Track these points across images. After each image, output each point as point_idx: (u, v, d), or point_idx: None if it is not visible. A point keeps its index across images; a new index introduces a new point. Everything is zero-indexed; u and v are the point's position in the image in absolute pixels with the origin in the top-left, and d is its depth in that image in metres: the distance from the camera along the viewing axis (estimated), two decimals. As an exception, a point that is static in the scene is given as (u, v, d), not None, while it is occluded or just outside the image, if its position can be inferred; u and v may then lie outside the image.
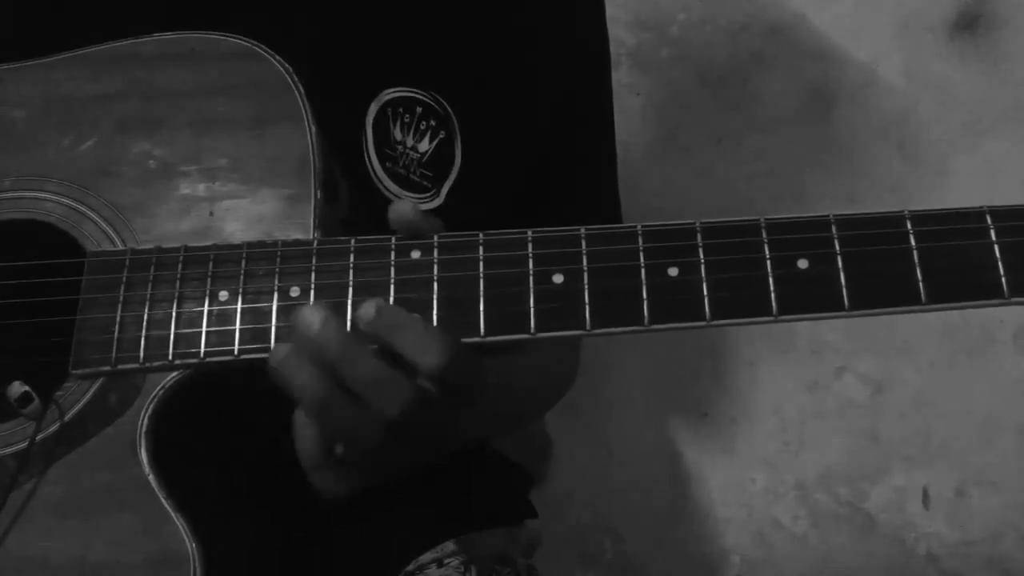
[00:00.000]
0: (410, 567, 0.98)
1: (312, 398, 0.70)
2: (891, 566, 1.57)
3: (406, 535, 0.99)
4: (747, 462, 1.60)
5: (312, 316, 0.70)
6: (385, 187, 0.92)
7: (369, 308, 0.71)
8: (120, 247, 0.78)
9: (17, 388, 0.76)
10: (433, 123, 0.94)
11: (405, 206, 0.75)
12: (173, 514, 0.72)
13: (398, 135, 0.93)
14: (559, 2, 1.04)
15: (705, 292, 0.70)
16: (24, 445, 0.75)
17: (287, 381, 0.70)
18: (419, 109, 0.94)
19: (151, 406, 0.74)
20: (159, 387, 0.74)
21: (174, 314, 0.75)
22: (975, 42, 1.60)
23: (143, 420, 0.74)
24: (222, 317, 0.74)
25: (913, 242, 0.69)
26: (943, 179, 1.58)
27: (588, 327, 0.71)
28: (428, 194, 0.94)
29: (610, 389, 1.62)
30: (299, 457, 0.75)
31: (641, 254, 0.71)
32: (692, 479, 1.61)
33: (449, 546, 1.00)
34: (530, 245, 0.73)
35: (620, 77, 1.62)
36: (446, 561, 0.98)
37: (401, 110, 0.93)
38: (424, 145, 0.94)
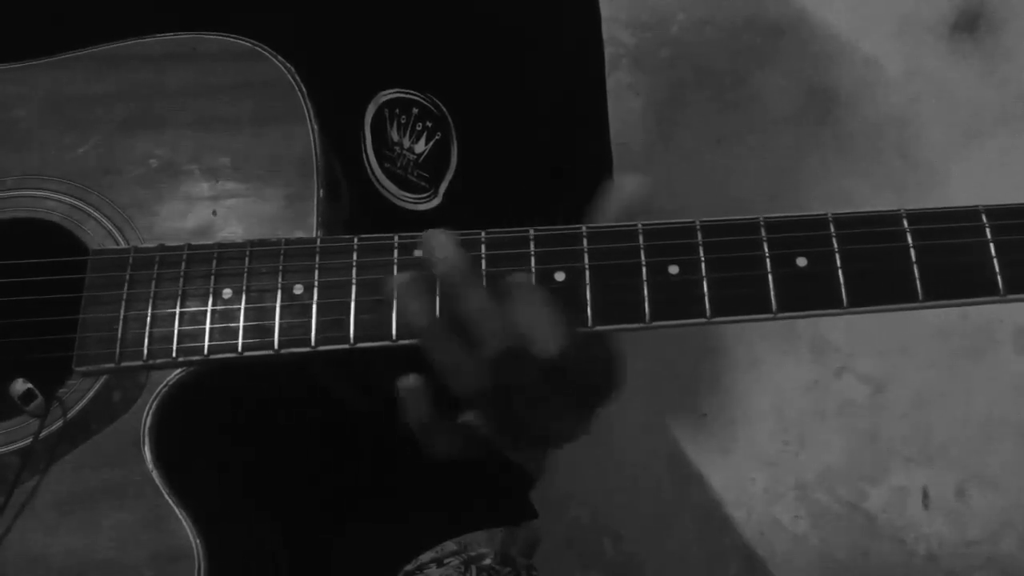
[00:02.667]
0: (410, 567, 0.98)
1: (424, 326, 0.71)
2: (891, 566, 1.58)
3: (406, 535, 0.99)
4: (747, 462, 1.60)
5: (443, 242, 0.71)
6: (384, 187, 0.92)
7: (507, 282, 0.71)
8: (123, 245, 0.78)
9: (20, 385, 0.76)
10: (429, 124, 0.94)
11: (632, 182, 0.74)
12: (177, 510, 0.72)
13: (395, 136, 0.93)
14: (553, 3, 1.05)
15: (705, 290, 0.70)
16: (27, 442, 0.75)
17: (404, 304, 0.71)
18: (415, 110, 0.94)
19: (154, 403, 0.74)
20: (162, 384, 0.75)
21: (177, 312, 0.75)
22: (975, 42, 1.60)
23: (146, 417, 0.74)
24: (226, 315, 0.74)
25: (910, 240, 0.70)
26: (943, 179, 1.58)
27: (590, 324, 0.71)
28: (426, 195, 0.94)
29: (610, 389, 1.61)
30: (408, 418, 0.75)
31: (642, 252, 0.72)
32: (692, 479, 1.61)
33: (449, 546, 1.00)
34: (532, 243, 0.73)
35: (620, 77, 1.63)
36: (446, 561, 0.99)
37: (398, 111, 0.93)
38: (420, 146, 0.94)
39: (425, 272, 0.71)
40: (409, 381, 0.73)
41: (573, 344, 0.71)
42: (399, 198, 0.92)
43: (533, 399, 0.73)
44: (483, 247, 0.73)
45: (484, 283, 0.71)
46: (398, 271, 0.73)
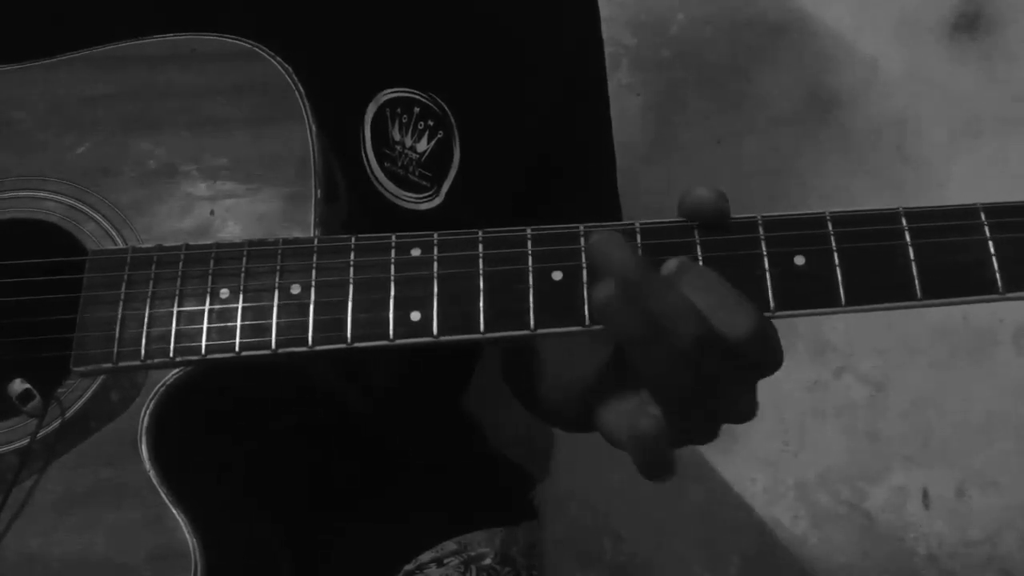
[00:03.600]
0: (410, 566, 0.98)
1: (633, 335, 0.67)
2: (891, 566, 1.58)
3: (406, 535, 0.99)
4: (747, 462, 1.60)
5: (618, 242, 0.67)
6: (383, 187, 0.92)
7: (672, 264, 0.69)
8: (121, 246, 0.78)
9: (18, 385, 0.76)
10: (431, 123, 0.94)
11: (703, 193, 0.71)
12: (174, 511, 0.72)
13: (396, 135, 0.93)
14: (553, 2, 1.05)
15: (703, 289, 0.70)
16: (25, 442, 0.75)
17: (610, 321, 0.67)
18: (417, 109, 0.94)
19: (152, 403, 0.74)
20: (160, 384, 0.74)
21: (175, 312, 0.75)
22: (975, 42, 1.60)
23: (144, 417, 0.74)
24: (223, 315, 0.74)
25: (908, 238, 0.70)
26: (943, 179, 1.58)
27: (587, 323, 0.71)
28: (427, 194, 0.94)
29: (610, 389, 1.61)
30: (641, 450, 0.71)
31: (639, 251, 0.72)
32: (692, 479, 1.61)
33: (449, 546, 1.00)
34: (529, 242, 0.73)
35: (620, 77, 1.63)
36: (446, 561, 0.99)
37: (399, 110, 0.93)
38: (423, 145, 0.94)
39: (619, 283, 0.67)
40: (649, 422, 0.69)
41: (764, 323, 0.68)
42: (399, 198, 0.92)
43: (724, 388, 0.70)
44: (481, 246, 0.73)
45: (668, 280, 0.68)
46: (589, 290, 0.70)
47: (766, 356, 0.69)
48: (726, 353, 0.67)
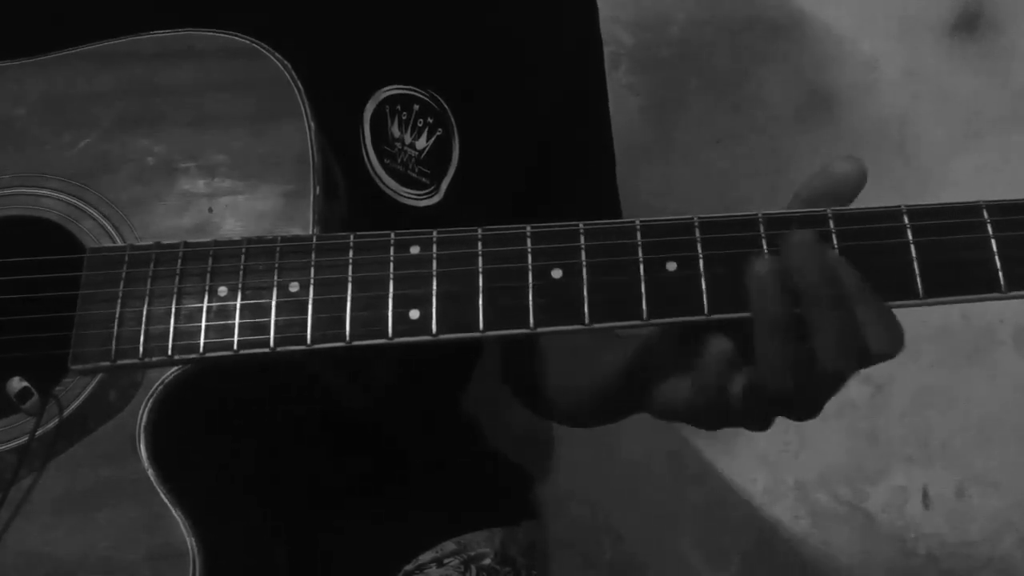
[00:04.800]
0: (410, 566, 0.98)
1: (774, 320, 0.68)
2: (891, 566, 1.57)
3: (406, 535, 0.99)
4: (747, 462, 1.60)
5: (806, 239, 0.68)
6: (385, 184, 0.92)
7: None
8: (119, 243, 0.78)
9: (16, 384, 0.76)
10: (431, 120, 0.94)
11: (847, 166, 0.71)
12: (173, 509, 0.72)
13: (396, 132, 0.93)
14: (553, 1, 1.05)
15: (703, 286, 0.70)
16: (23, 441, 0.75)
17: (758, 295, 0.68)
18: (416, 107, 0.94)
19: (150, 401, 0.74)
20: (158, 382, 0.74)
21: (173, 310, 0.75)
22: (975, 42, 1.60)
23: (142, 415, 0.74)
24: (221, 312, 0.74)
25: (910, 236, 0.69)
26: (943, 179, 1.58)
27: (587, 321, 0.71)
28: (427, 191, 0.94)
29: (610, 389, 1.61)
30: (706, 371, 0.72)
31: (639, 249, 0.71)
32: (692, 479, 1.61)
33: (449, 546, 1.00)
34: (529, 240, 0.73)
35: (620, 77, 1.62)
36: (446, 561, 0.99)
37: (399, 107, 0.93)
38: (422, 142, 0.94)
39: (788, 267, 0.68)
40: (722, 344, 0.70)
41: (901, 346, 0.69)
42: (400, 194, 0.92)
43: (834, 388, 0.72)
44: (480, 244, 0.73)
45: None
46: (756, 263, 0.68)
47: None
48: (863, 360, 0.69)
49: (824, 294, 0.67)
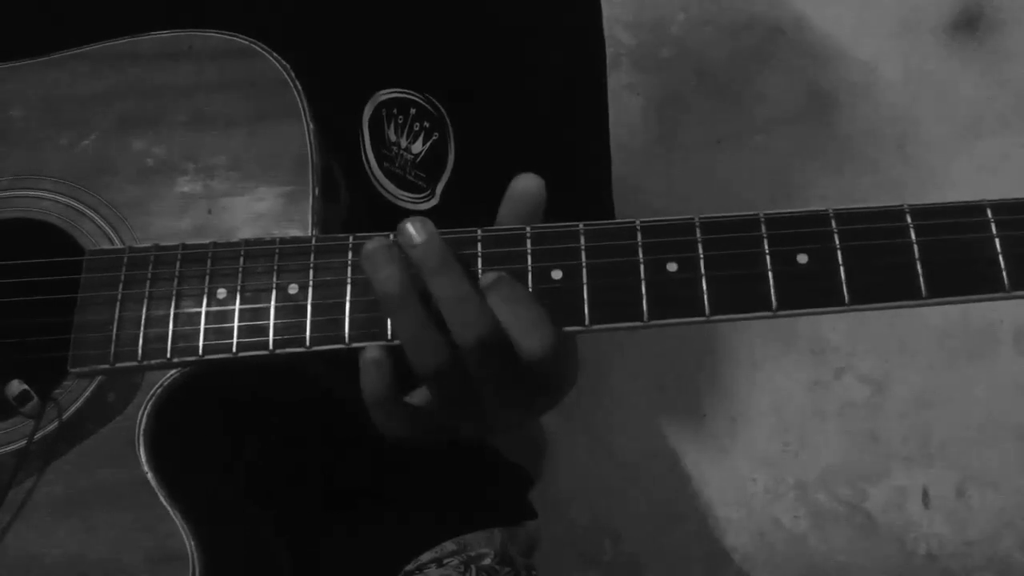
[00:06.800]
0: (410, 567, 0.98)
1: (392, 294, 0.70)
2: (891, 566, 1.57)
3: (406, 535, 0.99)
4: (747, 462, 1.60)
5: (417, 229, 0.70)
6: (383, 187, 0.92)
7: (489, 276, 0.70)
8: (118, 245, 0.78)
9: (16, 386, 0.76)
10: (427, 124, 0.94)
11: (531, 182, 0.74)
12: (172, 512, 0.72)
13: (392, 136, 0.93)
14: (553, 3, 1.04)
15: (704, 287, 0.70)
16: (23, 443, 0.75)
17: (372, 272, 0.70)
18: (413, 111, 0.94)
19: (149, 404, 0.74)
20: (157, 385, 0.74)
21: (172, 312, 0.74)
22: (975, 42, 1.60)
23: (141, 418, 0.74)
24: (220, 315, 0.74)
25: (913, 236, 0.69)
26: (943, 179, 1.58)
27: (587, 323, 0.70)
28: (424, 194, 0.94)
29: (610, 389, 1.62)
30: (364, 390, 0.73)
31: (640, 250, 0.71)
32: (692, 479, 1.61)
33: (449, 546, 0.99)
34: (528, 241, 0.72)
35: (620, 77, 1.63)
36: (446, 561, 0.98)
37: (395, 111, 0.93)
38: (418, 147, 0.94)
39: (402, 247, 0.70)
40: (373, 352, 0.71)
41: (559, 344, 0.70)
42: (399, 198, 0.92)
43: (499, 392, 0.73)
44: (479, 245, 0.73)
45: (463, 272, 0.71)
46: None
47: (549, 379, 0.73)
48: (520, 364, 0.70)
49: (427, 266, 0.70)
